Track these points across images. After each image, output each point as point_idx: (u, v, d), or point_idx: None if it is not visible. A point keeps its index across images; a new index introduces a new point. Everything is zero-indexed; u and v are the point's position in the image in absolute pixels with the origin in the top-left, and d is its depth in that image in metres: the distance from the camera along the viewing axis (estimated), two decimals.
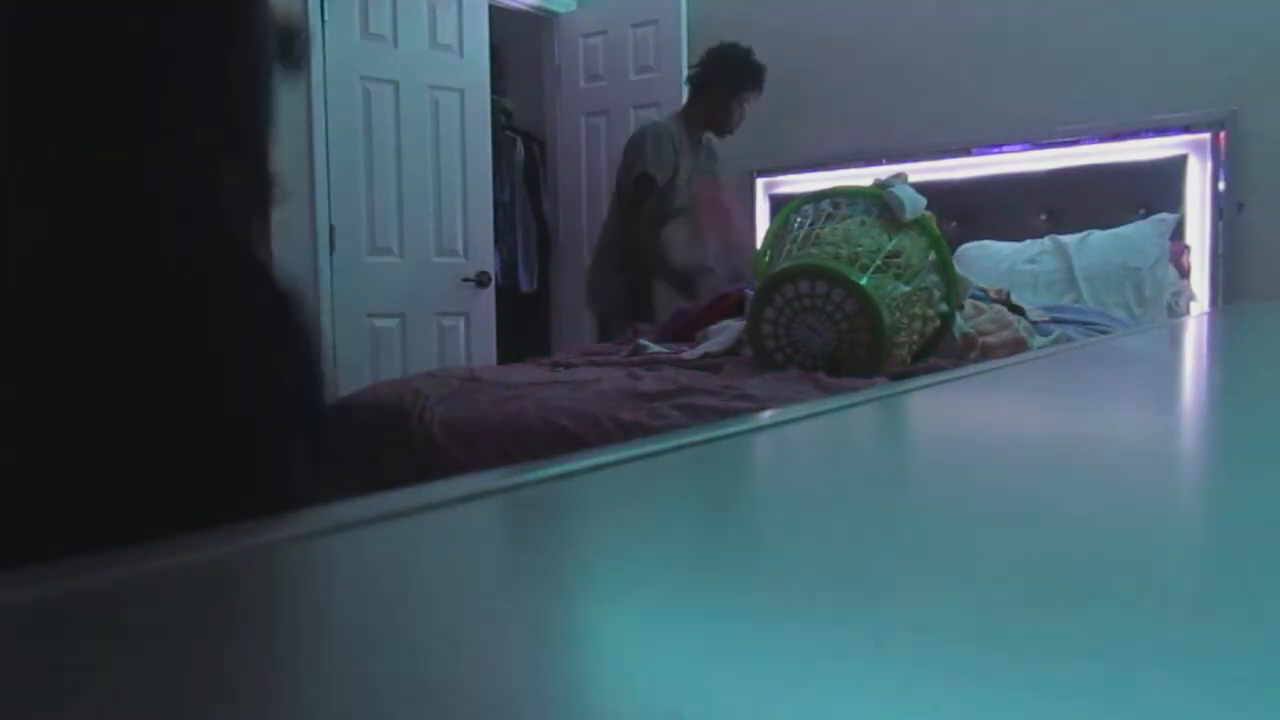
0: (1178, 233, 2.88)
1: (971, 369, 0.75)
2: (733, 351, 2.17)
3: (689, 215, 2.87)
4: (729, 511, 0.30)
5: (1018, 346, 2.02)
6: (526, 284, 4.36)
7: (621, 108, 3.80)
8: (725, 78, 2.91)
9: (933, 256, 2.00)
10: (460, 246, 3.43)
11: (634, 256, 2.87)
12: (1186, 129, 2.88)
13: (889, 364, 1.89)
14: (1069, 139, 3.05)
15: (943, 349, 2.06)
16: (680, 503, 0.31)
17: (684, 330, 2.48)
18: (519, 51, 4.41)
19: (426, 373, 2.25)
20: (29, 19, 0.60)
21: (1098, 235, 2.86)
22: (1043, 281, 2.82)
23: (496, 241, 3.75)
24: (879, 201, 2.03)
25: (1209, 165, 2.86)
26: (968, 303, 2.21)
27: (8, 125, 0.60)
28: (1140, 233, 2.80)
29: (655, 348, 2.36)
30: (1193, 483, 0.34)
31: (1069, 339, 2.11)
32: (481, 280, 3.47)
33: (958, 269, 2.08)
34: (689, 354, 2.21)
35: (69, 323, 0.61)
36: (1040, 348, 1.95)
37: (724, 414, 1.52)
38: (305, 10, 3.00)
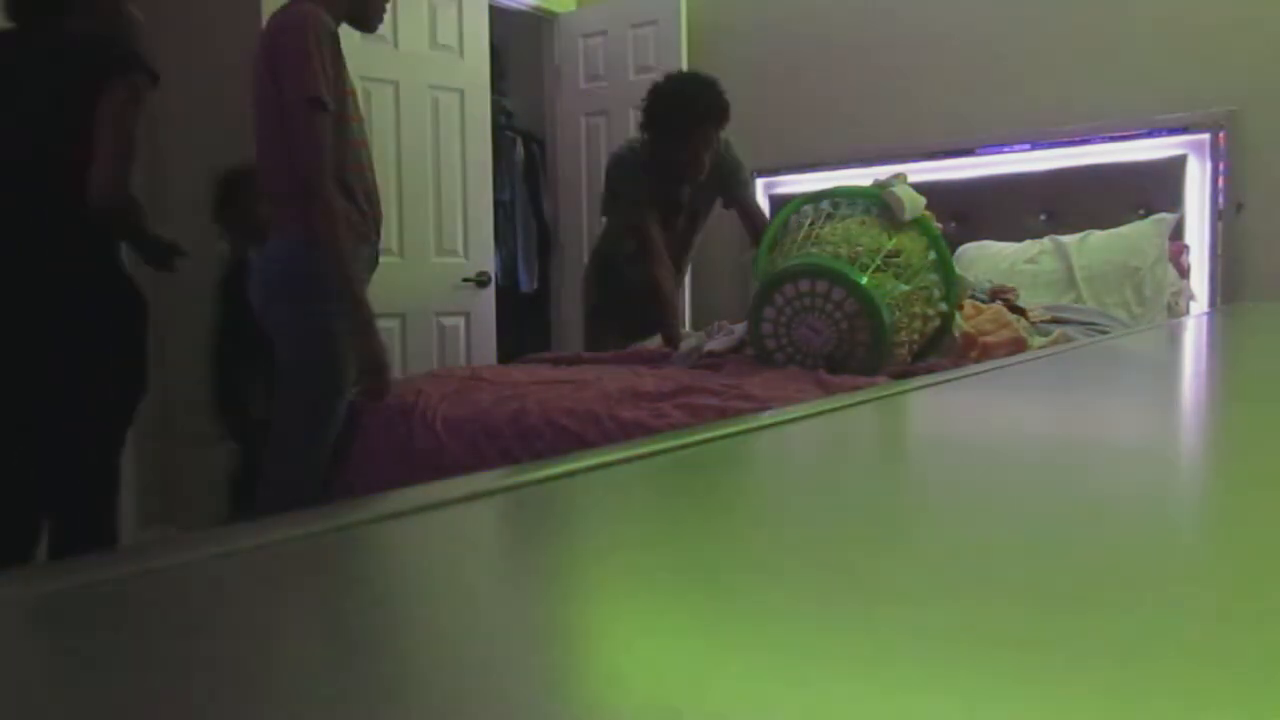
0: (1177, 233, 2.88)
1: (971, 369, 0.75)
2: (737, 351, 2.18)
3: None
4: (729, 511, 0.30)
5: (1017, 346, 2.02)
6: (526, 284, 4.36)
7: (621, 108, 3.80)
8: (674, 120, 2.48)
9: (932, 256, 2.00)
10: (460, 246, 3.43)
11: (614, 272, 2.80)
12: (1186, 129, 2.88)
13: (889, 363, 1.89)
14: (1069, 139, 3.05)
15: (943, 348, 2.06)
16: (680, 502, 0.31)
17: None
18: (519, 51, 4.41)
19: (428, 372, 2.25)
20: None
21: (1097, 235, 2.86)
22: (1042, 281, 2.82)
23: (496, 241, 3.75)
24: (879, 201, 2.03)
25: (1209, 165, 2.86)
26: (967, 302, 2.21)
27: None
28: (1140, 233, 2.80)
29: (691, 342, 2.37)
30: (1192, 482, 0.34)
31: (1068, 339, 2.11)
32: (481, 280, 3.46)
33: (956, 269, 2.08)
34: (708, 345, 2.22)
35: None
36: (1039, 348, 1.95)
37: (724, 413, 1.52)
38: None
